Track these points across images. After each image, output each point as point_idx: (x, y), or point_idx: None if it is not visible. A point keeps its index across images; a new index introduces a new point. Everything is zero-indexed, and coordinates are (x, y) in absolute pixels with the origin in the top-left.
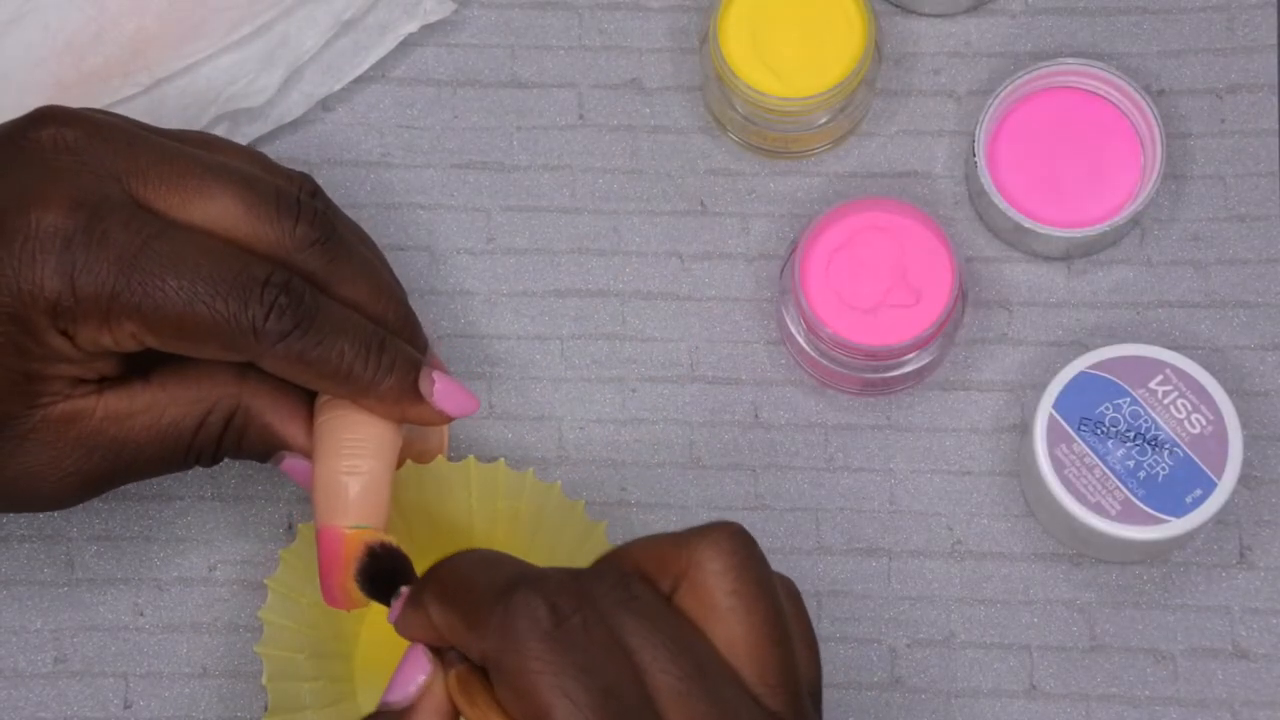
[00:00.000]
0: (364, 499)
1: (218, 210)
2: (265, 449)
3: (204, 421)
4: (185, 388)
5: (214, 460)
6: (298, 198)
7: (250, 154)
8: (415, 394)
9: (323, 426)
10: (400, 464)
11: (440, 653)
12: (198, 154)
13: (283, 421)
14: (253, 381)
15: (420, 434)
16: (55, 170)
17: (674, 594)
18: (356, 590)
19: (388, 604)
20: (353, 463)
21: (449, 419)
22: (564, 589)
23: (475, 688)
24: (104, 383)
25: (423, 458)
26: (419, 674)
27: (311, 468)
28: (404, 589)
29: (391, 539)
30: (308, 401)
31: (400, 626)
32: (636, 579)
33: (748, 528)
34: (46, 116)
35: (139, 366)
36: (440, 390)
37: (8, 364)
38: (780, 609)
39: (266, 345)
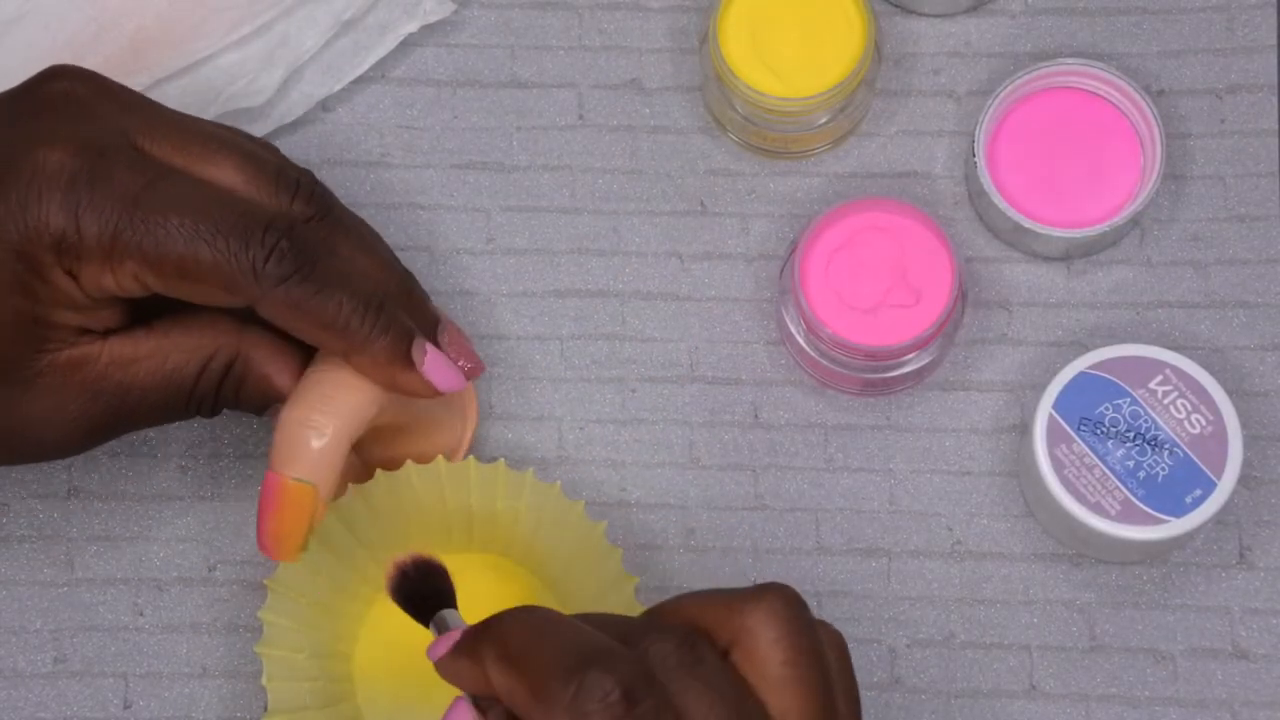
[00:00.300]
0: (318, 457)
1: (219, 176)
2: (262, 400)
3: (205, 368)
4: (188, 335)
5: (214, 410)
6: (298, 179)
7: (256, 140)
8: (407, 359)
9: (307, 378)
10: (402, 462)
11: (480, 706)
12: (204, 123)
13: (279, 373)
14: (253, 333)
15: (446, 426)
16: (64, 116)
17: (727, 656)
18: (286, 541)
19: (425, 622)
20: (320, 418)
21: (437, 392)
22: (637, 669)
23: None
24: (108, 333)
25: (454, 458)
26: None
27: (282, 411)
28: (454, 629)
29: (422, 552)
30: (305, 359)
31: (447, 672)
32: (702, 641)
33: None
34: (58, 73)
35: (142, 317)
36: (430, 361)
37: (15, 304)
38: (830, 679)
39: (266, 288)
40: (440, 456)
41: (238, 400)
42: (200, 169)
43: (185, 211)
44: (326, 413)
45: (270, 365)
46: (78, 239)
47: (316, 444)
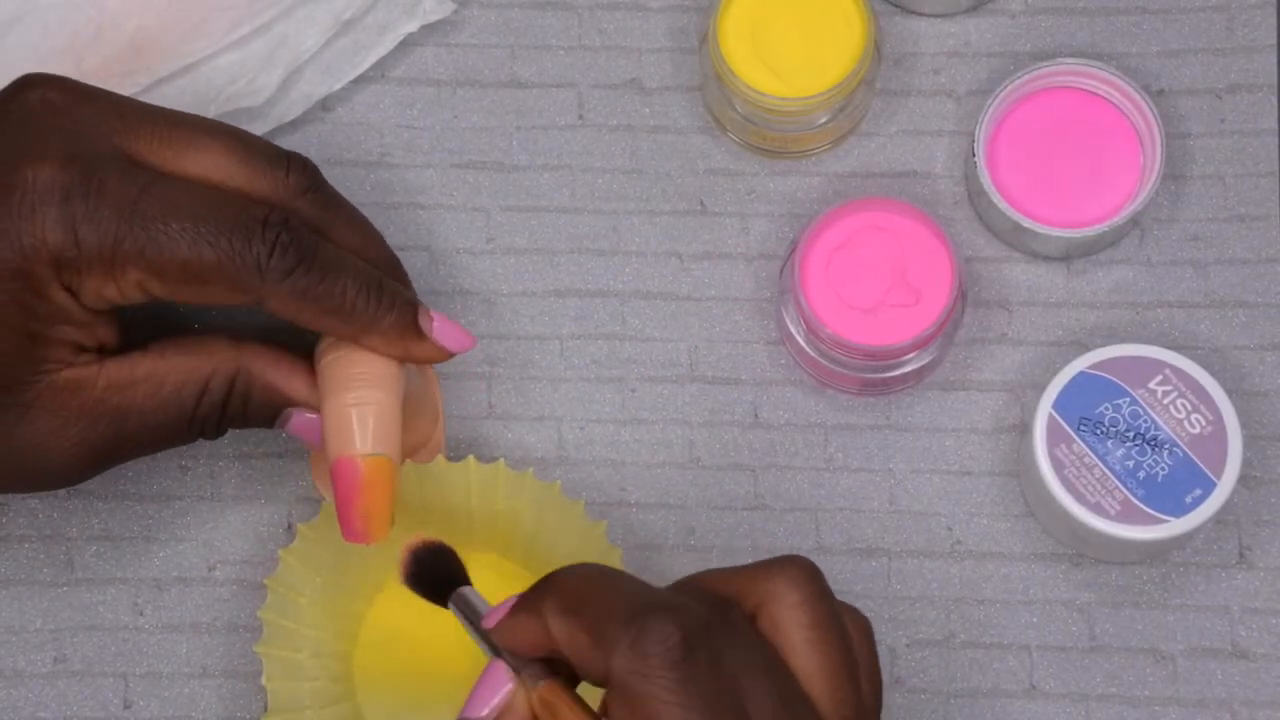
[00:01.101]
0: (376, 428)
1: (210, 161)
2: (271, 410)
3: (206, 388)
4: (185, 356)
5: (219, 431)
6: (287, 154)
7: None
8: (416, 330)
9: (327, 367)
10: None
11: (517, 669)
12: (184, 114)
13: (285, 378)
14: (250, 346)
15: (417, 428)
16: (46, 128)
17: (752, 622)
18: (376, 519)
19: (442, 603)
20: (361, 394)
21: (449, 355)
22: (697, 621)
23: (560, 706)
24: (104, 352)
25: (421, 457)
26: (501, 689)
27: (321, 407)
28: (477, 604)
29: (431, 536)
30: (306, 358)
31: (506, 632)
32: (732, 605)
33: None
34: (33, 82)
35: (138, 339)
36: (439, 326)
37: (12, 324)
38: (849, 643)
39: (272, 282)
40: (440, 456)
41: (246, 415)
42: (190, 158)
43: (184, 215)
44: (365, 386)
45: (273, 373)
46: (77, 252)
47: (370, 417)
